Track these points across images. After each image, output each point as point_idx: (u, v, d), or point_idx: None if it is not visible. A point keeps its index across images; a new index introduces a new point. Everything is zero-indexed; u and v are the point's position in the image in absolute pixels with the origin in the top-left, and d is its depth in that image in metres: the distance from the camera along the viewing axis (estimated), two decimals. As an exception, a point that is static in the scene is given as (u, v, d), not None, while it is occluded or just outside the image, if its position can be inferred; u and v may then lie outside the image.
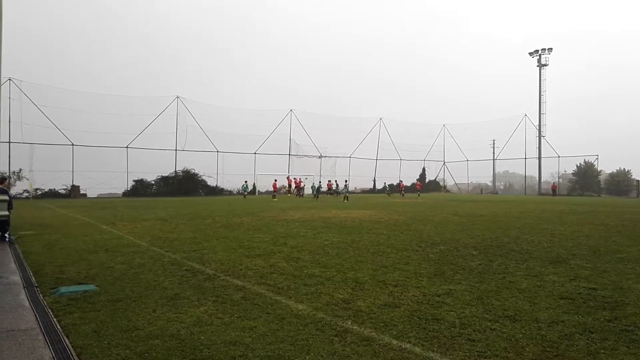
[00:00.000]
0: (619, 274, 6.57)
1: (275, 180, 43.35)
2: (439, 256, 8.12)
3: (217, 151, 48.56)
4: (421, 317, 4.53)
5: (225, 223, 14.40)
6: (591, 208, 23.01)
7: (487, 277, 6.36)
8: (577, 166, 56.83)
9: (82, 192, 40.68)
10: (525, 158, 59.27)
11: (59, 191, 39.77)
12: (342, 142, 56.51)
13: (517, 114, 69.54)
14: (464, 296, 5.33)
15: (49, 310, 4.85)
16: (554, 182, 55.25)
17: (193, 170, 46.82)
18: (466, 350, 3.65)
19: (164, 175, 45.45)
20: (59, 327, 4.28)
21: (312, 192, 41.81)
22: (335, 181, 44.95)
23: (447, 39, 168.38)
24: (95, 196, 41.72)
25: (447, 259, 7.86)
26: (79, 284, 6.03)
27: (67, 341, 3.90)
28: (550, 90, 76.58)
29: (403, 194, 45.69)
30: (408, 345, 3.76)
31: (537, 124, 57.22)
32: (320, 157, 56.06)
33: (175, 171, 46.05)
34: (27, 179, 38.56)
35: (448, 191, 65.48)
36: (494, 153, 64.46)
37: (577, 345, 3.74)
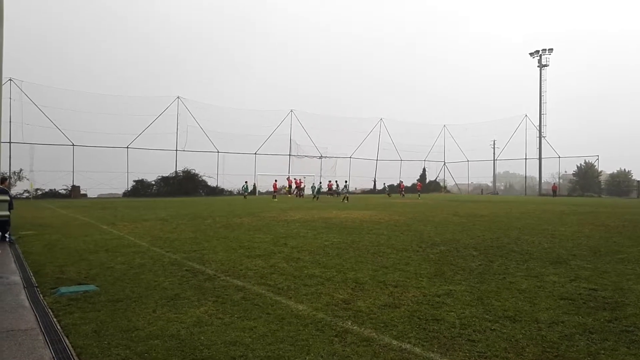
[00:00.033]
0: (619, 274, 6.57)
1: (276, 180, 43.39)
2: (439, 257, 8.12)
3: (218, 151, 48.59)
4: (421, 317, 4.53)
5: (226, 223, 14.40)
6: (592, 209, 23.00)
7: (487, 278, 6.36)
8: (577, 167, 56.81)
9: (82, 192, 40.69)
10: (526, 158, 59.29)
11: (60, 191, 39.80)
12: (343, 142, 56.59)
13: (517, 114, 69.68)
14: (464, 297, 5.32)
15: (49, 310, 4.85)
16: (554, 183, 55.25)
17: (193, 171, 46.85)
18: (466, 351, 3.65)
19: (164, 175, 45.48)
20: (59, 327, 4.28)
21: (312, 192, 41.82)
22: (336, 181, 44.94)
23: (447, 39, 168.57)
24: (96, 196, 41.75)
25: (448, 259, 7.86)
26: (79, 284, 6.03)
27: (67, 341, 3.90)
28: (550, 91, 76.65)
29: (403, 195, 45.68)
30: (408, 346, 3.76)
31: (538, 124, 57.25)
32: (321, 157, 56.07)
33: (176, 171, 46.07)
34: (27, 179, 38.62)
35: (448, 191, 65.45)
36: (494, 153, 64.48)
37: (577, 346, 3.74)
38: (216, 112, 48.99)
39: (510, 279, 6.29)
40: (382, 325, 4.30)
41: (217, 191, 48.03)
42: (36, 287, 5.94)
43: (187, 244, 9.73)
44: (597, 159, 54.72)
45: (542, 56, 57.29)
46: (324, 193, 44.22)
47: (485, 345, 3.77)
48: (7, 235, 10.53)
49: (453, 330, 4.15)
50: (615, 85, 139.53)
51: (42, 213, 19.86)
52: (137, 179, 43.87)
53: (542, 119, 56.74)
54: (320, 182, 46.45)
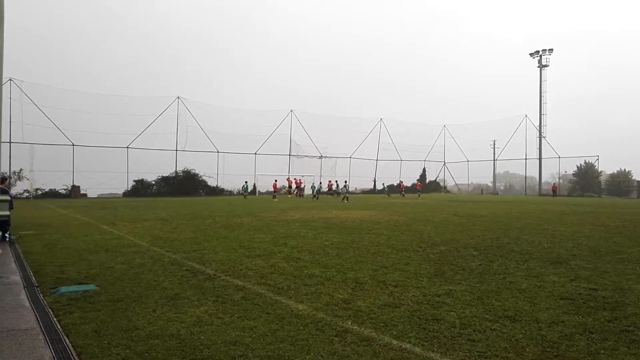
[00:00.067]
0: (619, 274, 6.57)
1: (276, 180, 43.39)
2: (439, 256, 8.12)
3: (218, 151, 48.60)
4: (421, 317, 4.53)
5: (226, 223, 14.40)
6: (592, 209, 23.00)
7: (487, 278, 6.36)
8: (577, 167, 56.82)
9: (82, 192, 40.70)
10: (526, 159, 59.31)
11: (60, 191, 39.82)
12: (343, 142, 56.60)
13: (517, 114, 69.62)
14: (464, 296, 5.32)
15: (49, 310, 4.85)
16: (554, 183, 55.26)
17: (193, 171, 46.86)
18: (466, 351, 3.65)
19: (164, 175, 45.49)
20: (59, 326, 4.28)
21: (312, 192, 41.82)
22: (336, 181, 44.95)
23: (447, 39, 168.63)
24: (96, 196, 41.75)
25: (448, 259, 7.86)
26: (79, 283, 6.03)
27: (67, 341, 3.90)
28: (550, 91, 76.76)
29: (403, 195, 45.68)
30: (408, 346, 3.76)
31: (538, 124, 57.24)
32: (321, 157, 56.07)
33: (176, 171, 46.08)
34: (27, 179, 38.64)
35: (448, 192, 65.45)
36: (494, 153, 64.49)
37: (578, 346, 3.74)
38: (216, 112, 49.06)
39: (510, 278, 6.29)
40: (382, 325, 4.30)
41: (217, 191, 48.03)
42: (36, 286, 5.94)
43: (187, 244, 9.73)
44: (597, 159, 54.79)
45: (542, 56, 57.30)
46: (324, 193, 44.21)
47: (486, 345, 3.77)
48: (7, 235, 10.53)
49: (453, 330, 4.15)
50: (615, 85, 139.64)
51: (42, 213, 19.86)
52: (137, 178, 43.90)
53: (542, 119, 56.78)
54: (321, 182, 46.45)
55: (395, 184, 56.54)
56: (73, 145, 40.49)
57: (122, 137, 42.60)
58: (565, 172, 58.61)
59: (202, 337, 3.95)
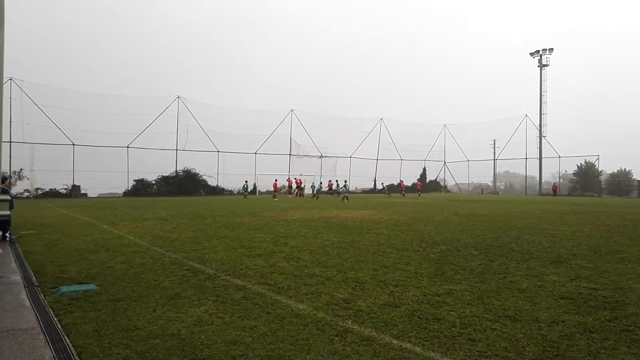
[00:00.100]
0: (619, 274, 6.57)
1: (276, 180, 43.36)
2: (440, 256, 8.12)
3: (218, 151, 48.60)
4: (422, 316, 4.52)
5: (226, 223, 14.40)
6: (592, 208, 22.99)
7: (487, 277, 6.36)
8: (577, 166, 56.81)
9: (82, 191, 40.71)
10: (526, 158, 59.28)
11: (60, 191, 39.82)
12: (343, 142, 56.59)
13: (517, 114, 69.73)
14: (465, 296, 5.32)
15: (50, 309, 4.85)
16: (554, 183, 55.21)
17: (194, 170, 46.88)
18: (467, 350, 3.65)
19: (164, 175, 45.49)
20: (59, 326, 4.28)
21: (312, 192, 41.81)
22: (337, 181, 44.96)
23: (447, 39, 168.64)
24: (96, 196, 41.75)
25: (448, 259, 7.86)
26: (80, 283, 6.03)
27: (67, 340, 3.90)
28: (550, 90, 76.78)
29: (404, 194, 45.68)
30: (408, 345, 3.76)
31: (538, 124, 57.21)
32: (321, 157, 56.06)
33: (176, 171, 46.09)
34: (28, 179, 38.67)
35: (449, 191, 65.43)
36: (494, 153, 64.48)
37: (578, 345, 3.74)
38: (216, 111, 49.07)
39: (510, 278, 6.29)
40: (382, 324, 4.30)
41: (217, 191, 48.04)
42: (37, 286, 5.94)
43: (187, 244, 9.73)
44: (598, 158, 54.77)
45: (543, 56, 57.27)
46: (324, 193, 44.22)
47: (486, 344, 3.77)
48: (7, 234, 10.54)
49: (453, 329, 4.15)
50: (615, 85, 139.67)
51: (43, 212, 19.86)
52: (137, 178, 43.92)
53: (542, 119, 56.74)
54: (321, 182, 46.45)
55: (395, 184, 56.54)
56: (73, 144, 40.50)
57: (123, 137, 42.68)
58: (566, 171, 58.66)
59: (203, 337, 3.95)
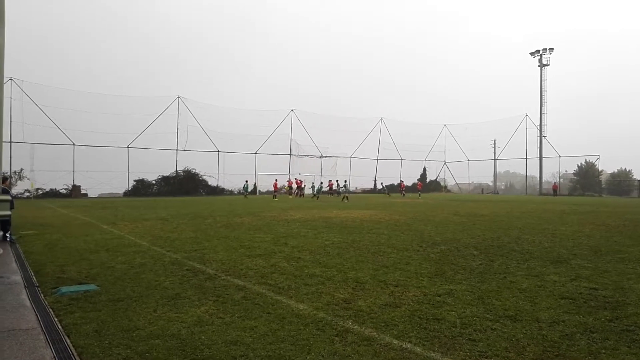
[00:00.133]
0: (620, 274, 6.57)
1: (276, 180, 43.36)
2: (440, 256, 8.12)
3: (218, 151, 48.60)
4: (422, 317, 4.52)
5: (226, 223, 14.40)
6: (592, 208, 22.99)
7: (488, 277, 6.36)
8: (578, 166, 56.80)
9: (83, 191, 40.72)
10: (526, 158, 59.25)
11: (60, 191, 39.84)
12: (343, 142, 56.58)
13: (517, 114, 69.73)
14: (465, 296, 5.32)
15: (50, 310, 4.85)
16: (555, 182, 55.20)
17: (194, 170, 46.89)
18: (467, 350, 3.65)
19: (164, 175, 45.51)
20: (60, 326, 4.29)
21: (312, 191, 41.80)
22: (337, 181, 44.97)
23: (447, 39, 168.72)
24: (96, 196, 41.77)
25: (448, 258, 7.86)
26: (80, 283, 6.03)
27: (68, 341, 3.90)
28: (550, 90, 76.77)
29: (404, 194, 45.67)
30: (409, 345, 3.76)
31: (538, 123, 57.18)
32: (321, 157, 56.05)
33: (176, 171, 46.10)
34: (28, 179, 38.68)
35: (449, 191, 65.43)
36: (494, 153, 64.46)
37: (578, 345, 3.73)
38: (216, 111, 49.07)
39: (510, 278, 6.29)
40: (382, 324, 4.30)
41: (217, 191, 48.05)
42: (37, 286, 5.94)
43: (187, 244, 9.73)
44: (598, 158, 54.74)
45: (543, 56, 57.23)
46: (324, 193, 44.23)
47: (486, 344, 3.77)
48: (8, 234, 10.54)
49: (454, 329, 4.15)
50: (616, 85, 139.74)
51: (43, 213, 19.87)
52: (137, 178, 43.94)
53: (542, 119, 56.70)
54: (321, 182, 46.49)
55: (395, 184, 56.53)
56: (74, 145, 40.52)
57: (123, 137, 42.69)
58: (566, 171, 58.66)
59: (203, 337, 3.95)
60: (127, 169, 43.14)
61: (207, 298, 5.28)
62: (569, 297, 5.26)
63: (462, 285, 5.89)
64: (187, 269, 6.98)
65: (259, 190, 50.23)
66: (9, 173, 35.48)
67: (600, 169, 55.65)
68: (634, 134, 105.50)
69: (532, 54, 58.20)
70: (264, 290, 5.63)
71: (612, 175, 57.85)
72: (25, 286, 5.96)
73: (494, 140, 63.98)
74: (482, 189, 66.11)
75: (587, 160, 55.74)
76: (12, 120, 36.39)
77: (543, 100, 56.74)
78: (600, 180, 55.25)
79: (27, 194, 37.09)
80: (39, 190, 38.30)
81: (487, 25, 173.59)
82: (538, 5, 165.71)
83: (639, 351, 3.61)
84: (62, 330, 4.19)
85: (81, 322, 4.39)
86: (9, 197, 10.83)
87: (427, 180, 64.40)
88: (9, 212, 10.63)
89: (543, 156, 56.89)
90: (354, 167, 58.48)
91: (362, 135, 58.92)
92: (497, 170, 66.50)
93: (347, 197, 34.01)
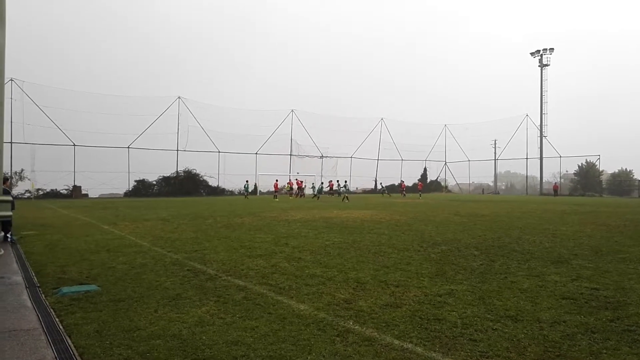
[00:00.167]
0: (621, 274, 6.56)
1: (277, 180, 43.37)
2: (441, 256, 8.11)
3: (219, 151, 48.63)
4: (423, 317, 4.52)
5: (227, 223, 14.40)
6: (593, 208, 22.97)
7: (488, 277, 6.35)
8: (578, 166, 56.80)
9: (83, 192, 40.74)
10: (527, 158, 59.25)
11: (61, 191, 39.86)
12: (343, 142, 56.60)
13: (518, 114, 69.70)
14: (466, 296, 5.32)
15: (51, 310, 4.86)
16: (555, 182, 55.17)
17: (194, 171, 46.90)
18: (468, 350, 3.65)
19: (165, 175, 45.54)
20: (61, 327, 4.29)
21: (313, 192, 41.80)
22: (337, 181, 44.98)
23: (447, 39, 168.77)
24: (97, 196, 41.81)
25: (449, 259, 7.86)
26: (81, 284, 6.04)
27: (69, 341, 3.91)
28: (551, 90, 76.75)
29: (404, 194, 45.66)
30: (410, 345, 3.76)
31: (539, 123, 57.17)
32: (322, 157, 56.06)
33: (177, 171, 46.11)
34: (29, 180, 38.73)
35: (449, 191, 65.42)
36: (495, 153, 64.46)
37: (579, 346, 3.73)
38: (217, 112, 49.11)
39: (511, 278, 6.29)
40: (383, 324, 4.30)
41: (218, 191, 48.06)
42: (38, 287, 5.95)
43: (188, 244, 9.74)
44: (599, 158, 54.72)
45: (543, 56, 57.25)
46: (325, 193, 44.22)
47: (487, 344, 3.77)
48: (8, 235, 10.55)
49: (455, 329, 4.15)
50: (616, 85, 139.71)
51: (44, 213, 19.88)
52: (138, 179, 43.95)
53: (543, 119, 56.70)
54: (322, 182, 46.49)
55: (396, 184, 56.51)
56: (74, 145, 40.54)
57: (123, 137, 42.71)
58: (567, 171, 58.66)
59: (204, 337, 3.96)
60: (127, 169, 43.17)
61: (208, 298, 5.28)
62: (570, 297, 5.26)
63: (463, 285, 5.89)
64: (187, 270, 6.98)
65: (260, 191, 50.23)
66: (9, 174, 35.51)
67: (600, 169, 55.65)
68: (635, 134, 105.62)
69: (532, 54, 58.23)
70: (264, 291, 5.63)
71: (613, 175, 57.82)
72: (26, 286, 5.96)
73: (495, 141, 64.03)
74: (483, 189, 66.10)
75: (588, 160, 55.76)
76: (12, 120, 36.40)
77: (543, 100, 56.77)
78: (601, 181, 55.22)
79: (28, 194, 37.11)
80: (40, 191, 38.33)
81: (487, 25, 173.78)
82: (538, 5, 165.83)
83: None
84: (63, 330, 4.19)
85: (82, 323, 4.39)
86: (9, 198, 10.83)
87: (428, 180, 64.40)
88: (9, 213, 10.63)
89: (543, 156, 56.90)
90: (354, 168, 58.55)
91: (363, 136, 58.97)
92: (498, 170, 66.56)
93: (347, 197, 34.02)
